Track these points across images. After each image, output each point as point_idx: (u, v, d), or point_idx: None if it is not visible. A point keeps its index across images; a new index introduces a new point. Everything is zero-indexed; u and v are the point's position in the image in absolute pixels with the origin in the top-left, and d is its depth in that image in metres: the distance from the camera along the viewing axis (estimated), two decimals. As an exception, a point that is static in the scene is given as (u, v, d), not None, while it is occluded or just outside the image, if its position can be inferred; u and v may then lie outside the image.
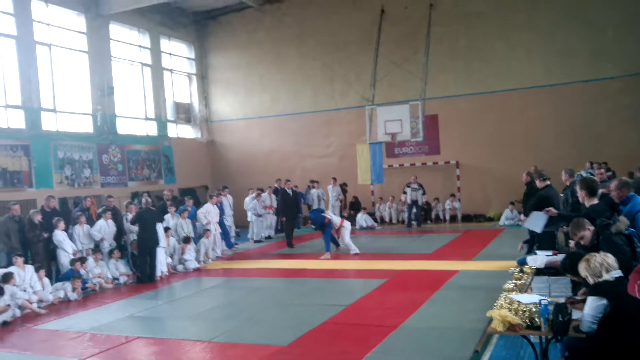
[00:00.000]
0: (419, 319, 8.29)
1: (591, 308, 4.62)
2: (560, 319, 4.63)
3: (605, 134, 19.31)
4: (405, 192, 20.44)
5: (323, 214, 15.18)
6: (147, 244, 12.80)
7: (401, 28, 21.38)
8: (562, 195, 10.47)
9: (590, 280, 4.85)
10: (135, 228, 13.15)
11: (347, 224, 15.13)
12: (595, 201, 7.16)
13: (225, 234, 16.58)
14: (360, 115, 20.50)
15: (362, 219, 21.01)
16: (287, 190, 18.53)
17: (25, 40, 17.43)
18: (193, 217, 15.70)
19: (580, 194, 7.29)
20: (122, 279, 12.89)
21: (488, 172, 21.05)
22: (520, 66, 20.50)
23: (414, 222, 20.36)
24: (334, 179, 21.71)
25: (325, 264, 13.77)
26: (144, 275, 12.81)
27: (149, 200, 13.75)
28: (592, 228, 6.25)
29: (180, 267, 13.98)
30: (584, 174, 15.17)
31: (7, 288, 9.93)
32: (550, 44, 20.09)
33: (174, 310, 10.24)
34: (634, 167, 13.03)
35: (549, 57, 20.11)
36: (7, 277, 10.14)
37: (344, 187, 22.27)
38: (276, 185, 20.23)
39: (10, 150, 16.52)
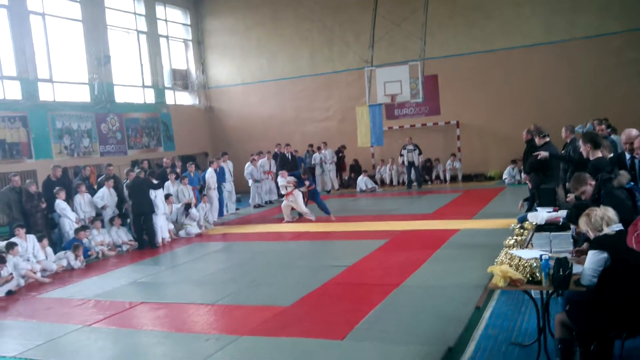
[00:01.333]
0: (420, 277, 8.33)
1: (592, 262, 4.61)
2: (561, 273, 4.63)
3: (607, 90, 19.11)
4: (402, 155, 20.39)
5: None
6: (138, 211, 13.06)
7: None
8: (562, 152, 10.43)
9: (591, 235, 4.83)
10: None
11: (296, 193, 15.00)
12: (599, 154, 7.14)
13: (219, 202, 16.58)
14: (360, 77, 20.31)
15: (362, 181, 21.02)
16: (286, 154, 18.56)
17: (18, 9, 17.17)
18: (196, 183, 15.71)
19: (585, 147, 7.27)
20: (125, 247, 12.96)
21: (488, 131, 20.95)
22: (523, 23, 20.22)
23: (414, 183, 20.37)
24: (324, 143, 21.68)
25: (325, 226, 13.80)
26: (140, 241, 13.00)
27: (142, 167, 13.81)
28: (593, 183, 6.23)
29: (182, 233, 14.04)
30: (578, 129, 15.15)
31: (10, 258, 9.97)
32: (556, 1, 19.79)
33: (177, 275, 10.30)
34: (636, 123, 12.95)
35: (553, 14, 19.82)
36: (10, 247, 10.18)
37: (341, 150, 22.17)
38: (276, 150, 20.19)
39: (8, 122, 16.43)
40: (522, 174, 14.90)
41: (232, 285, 8.93)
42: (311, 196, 15.20)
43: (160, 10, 23.39)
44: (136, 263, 11.53)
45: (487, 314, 6.69)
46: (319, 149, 21.64)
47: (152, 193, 13.17)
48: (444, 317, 6.49)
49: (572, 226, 6.33)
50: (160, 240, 13.19)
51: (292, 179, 14.70)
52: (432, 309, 6.83)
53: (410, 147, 20.15)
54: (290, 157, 18.98)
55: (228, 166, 18.10)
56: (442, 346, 5.65)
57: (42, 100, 17.67)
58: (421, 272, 8.59)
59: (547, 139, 10.22)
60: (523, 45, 20.30)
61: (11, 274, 9.84)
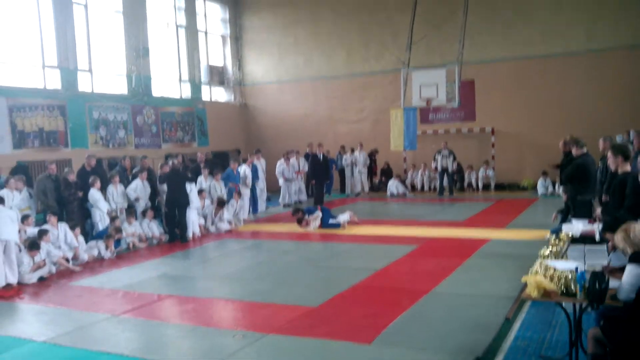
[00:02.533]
0: (450, 285, 8.24)
1: (630, 276, 4.49)
2: (597, 286, 4.52)
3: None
4: (435, 159, 20.17)
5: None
6: (174, 204, 13.09)
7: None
8: (599, 164, 10.24)
9: (629, 251, 4.71)
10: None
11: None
12: (628, 168, 7.00)
13: (254, 199, 16.60)
14: (395, 79, 20.16)
15: (393, 186, 20.89)
16: (318, 154, 18.54)
17: (61, 0, 17.48)
18: (239, 180, 15.76)
19: (615, 160, 7.11)
20: (155, 240, 13.07)
21: (524, 140, 20.65)
22: (564, 29, 19.88)
23: (445, 191, 20.15)
24: (361, 144, 21.53)
25: (355, 229, 13.73)
26: (171, 234, 13.09)
27: (178, 161, 13.91)
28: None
29: (212, 229, 14.12)
30: (619, 139, 14.91)
31: (43, 245, 10.12)
32: (598, 8, 19.45)
33: (206, 270, 10.37)
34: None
35: (595, 22, 19.47)
36: (42, 234, 10.33)
37: (373, 153, 22.04)
38: (307, 150, 20.19)
39: (47, 110, 16.73)
40: (557, 185, 14.67)
41: (260, 282, 8.94)
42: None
43: (199, 4, 23.59)
44: (166, 256, 11.62)
45: (516, 326, 6.57)
46: (352, 150, 21.53)
47: (187, 187, 13.26)
48: (473, 326, 6.39)
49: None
50: (190, 234, 13.27)
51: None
52: (461, 318, 6.74)
53: (445, 152, 19.91)
54: (322, 158, 18.90)
55: (261, 164, 18.12)
56: (470, 355, 5.56)
57: (81, 90, 17.97)
58: (451, 280, 8.49)
59: (584, 150, 10.04)
60: (563, 52, 19.97)
61: (44, 260, 9.99)
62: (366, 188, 21.57)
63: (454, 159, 20.00)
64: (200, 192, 14.10)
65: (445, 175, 20.12)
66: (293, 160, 19.39)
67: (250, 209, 16.50)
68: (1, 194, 11.19)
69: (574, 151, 10.24)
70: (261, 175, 17.76)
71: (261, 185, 17.71)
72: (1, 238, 9.34)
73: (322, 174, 18.56)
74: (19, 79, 16.45)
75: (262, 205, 17.94)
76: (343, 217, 14.14)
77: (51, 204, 12.07)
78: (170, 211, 13.21)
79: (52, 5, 17.29)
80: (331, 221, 14.01)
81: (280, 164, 18.96)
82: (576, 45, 19.77)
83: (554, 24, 20.08)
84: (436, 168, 20.29)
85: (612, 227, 5.33)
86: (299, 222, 14.10)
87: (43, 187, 12.26)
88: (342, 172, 22.10)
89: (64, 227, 11.12)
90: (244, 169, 16.07)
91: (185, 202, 13.06)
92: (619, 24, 19.17)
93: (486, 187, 20.78)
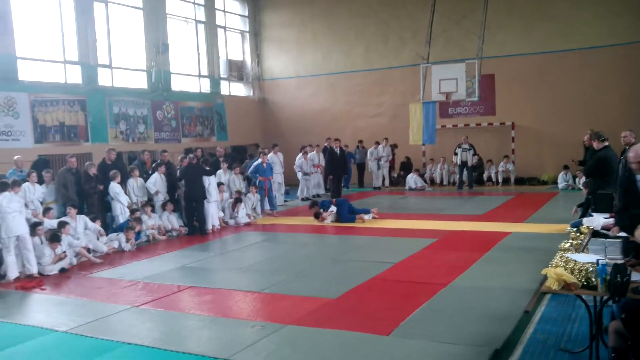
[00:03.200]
0: (469, 278, 8.20)
1: (653, 270, 4.46)
2: (619, 279, 4.47)
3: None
4: (456, 153, 20.06)
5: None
6: (191, 197, 13.21)
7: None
8: (620, 157, 10.12)
9: None
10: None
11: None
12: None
13: (269, 195, 16.11)
14: (414, 74, 20.10)
15: (412, 179, 20.84)
16: (335, 149, 18.53)
17: (82, -3, 17.67)
18: (270, 173, 15.79)
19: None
20: (175, 232, 13.17)
21: (544, 134, 20.50)
22: (584, 24, 19.72)
23: (465, 184, 20.04)
24: (386, 139, 21.45)
25: (373, 222, 13.73)
26: (189, 227, 13.24)
27: (195, 155, 14.00)
28: None
29: (231, 222, 14.20)
30: None
31: (63, 237, 10.24)
32: (618, 2, 19.22)
33: (225, 262, 10.42)
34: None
35: (616, 15, 19.26)
36: (61, 226, 10.45)
37: (393, 148, 21.98)
38: (325, 145, 20.19)
39: (67, 105, 16.90)
40: (582, 179, 14.52)
41: (279, 274, 8.97)
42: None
43: (219, 1, 23.66)
44: (185, 248, 11.70)
45: (536, 318, 6.54)
46: (377, 143, 21.39)
47: (206, 180, 13.32)
48: (492, 319, 6.37)
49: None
50: (210, 227, 13.36)
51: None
52: (479, 310, 6.71)
53: (466, 146, 19.77)
54: (339, 152, 18.89)
55: (279, 158, 18.13)
56: (489, 348, 5.54)
57: (101, 85, 18.13)
58: (470, 273, 8.46)
59: (606, 143, 9.93)
60: (583, 47, 19.78)
61: (64, 252, 10.11)
62: (387, 182, 21.54)
63: (474, 153, 19.88)
64: (219, 185, 14.14)
65: (465, 168, 20.00)
66: (312, 154, 19.40)
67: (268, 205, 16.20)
68: (25, 187, 11.35)
69: (595, 145, 10.15)
70: (279, 169, 17.76)
71: (279, 179, 17.71)
72: (14, 234, 9.48)
73: (339, 168, 18.56)
74: (41, 74, 16.63)
75: (280, 198, 17.96)
76: (367, 216, 14.09)
77: (71, 197, 12.18)
78: (187, 205, 13.35)
79: (74, 2, 17.44)
80: (348, 216, 13.99)
81: (299, 158, 18.99)
82: (596, 40, 19.56)
83: (574, 18, 19.90)
84: (456, 162, 20.18)
85: (630, 225, 5.27)
86: (316, 216, 14.12)
87: (64, 181, 12.37)
88: (360, 166, 22.10)
89: (83, 219, 11.25)
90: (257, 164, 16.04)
91: (201, 195, 13.13)
92: (638, 19, 18.91)
93: (506, 181, 20.65)
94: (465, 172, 20.08)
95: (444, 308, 6.90)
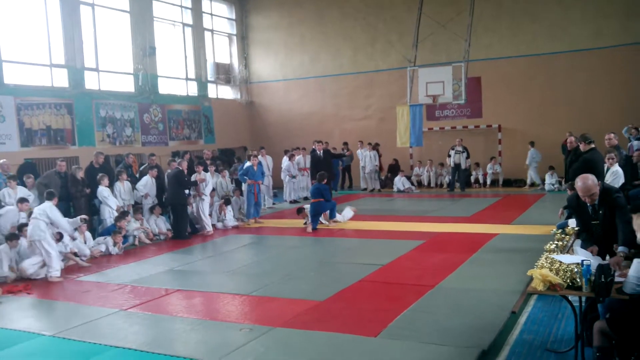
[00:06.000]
0: (456, 280, 8.25)
1: (637, 270, 4.51)
2: (603, 279, 4.53)
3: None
4: (449, 155, 20.09)
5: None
6: (169, 202, 13.38)
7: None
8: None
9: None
10: None
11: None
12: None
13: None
14: (402, 77, 20.18)
15: (399, 182, 20.89)
16: (318, 151, 18.52)
17: (69, 0, 17.57)
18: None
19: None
20: (162, 236, 13.15)
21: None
22: (571, 27, 19.88)
23: (457, 186, 20.09)
24: (377, 144, 21.45)
25: (361, 224, 13.76)
26: (173, 231, 13.27)
27: (185, 159, 14.02)
28: None
29: (219, 225, 14.19)
30: (625, 132, 14.91)
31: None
32: (605, 5, 19.42)
33: (213, 265, 10.42)
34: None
35: (602, 19, 19.44)
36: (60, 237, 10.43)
37: (376, 148, 21.82)
38: (314, 147, 20.21)
39: (54, 109, 16.82)
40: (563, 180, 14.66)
41: (267, 277, 8.97)
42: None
43: (206, 4, 23.65)
44: (173, 251, 11.67)
45: (522, 319, 6.59)
46: (371, 145, 21.34)
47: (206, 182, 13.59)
48: (479, 320, 6.41)
49: None
50: (210, 228, 13.63)
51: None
52: (467, 312, 6.75)
53: (459, 148, 19.79)
54: (322, 155, 18.84)
55: (266, 161, 18.06)
56: (476, 349, 5.57)
57: (88, 88, 18.06)
58: (457, 275, 8.51)
59: (592, 145, 10.02)
60: (570, 50, 19.96)
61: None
62: (377, 186, 21.40)
63: (468, 156, 19.95)
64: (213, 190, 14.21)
65: (458, 171, 20.07)
66: (299, 157, 19.39)
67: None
68: (3, 193, 11.37)
69: (582, 147, 10.22)
70: (266, 172, 17.69)
71: (266, 182, 17.62)
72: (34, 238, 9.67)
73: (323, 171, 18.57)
74: (27, 77, 16.53)
75: (268, 201, 17.95)
76: (347, 214, 14.15)
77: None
78: (172, 209, 13.40)
79: (60, 4, 17.36)
80: (337, 217, 14.02)
81: (286, 161, 18.99)
82: (582, 43, 19.74)
83: (560, 21, 20.07)
84: (450, 164, 20.22)
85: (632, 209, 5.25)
86: (299, 211, 14.19)
87: (47, 182, 12.29)
88: (347, 169, 22.13)
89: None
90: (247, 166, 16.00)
91: (179, 202, 13.13)
92: (626, 21, 19.14)
93: (494, 182, 20.76)
94: (457, 174, 20.13)
95: (431, 309, 6.94)
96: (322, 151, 18.97)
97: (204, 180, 13.80)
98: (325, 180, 14.37)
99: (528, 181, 20.08)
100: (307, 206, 14.05)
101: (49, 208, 9.91)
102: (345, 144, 22.18)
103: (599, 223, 5.78)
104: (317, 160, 18.63)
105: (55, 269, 9.65)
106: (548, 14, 20.21)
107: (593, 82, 19.63)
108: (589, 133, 10.32)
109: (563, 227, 8.13)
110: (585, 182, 5.70)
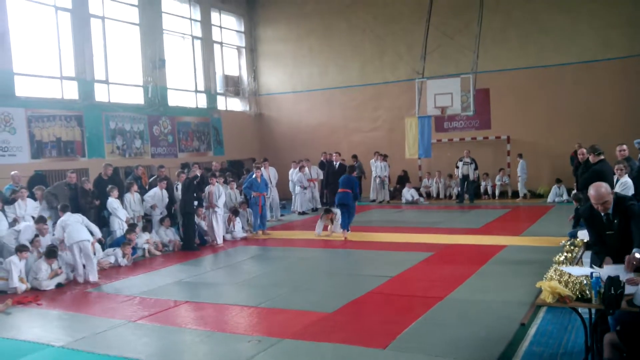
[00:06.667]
0: (465, 291, 8.22)
1: (647, 283, 4.49)
2: (613, 291, 4.50)
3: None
4: (457, 167, 20.09)
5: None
6: (181, 210, 13.44)
7: (454, -1, 20.98)
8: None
9: None
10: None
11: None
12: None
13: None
14: (410, 88, 20.21)
15: (408, 193, 20.89)
16: (334, 163, 18.59)
17: (80, 13, 17.76)
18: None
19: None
20: (171, 246, 13.18)
21: (539, 147, 20.59)
22: (579, 39, 19.89)
23: (466, 197, 20.06)
24: (380, 154, 21.43)
25: (369, 236, 13.74)
26: (183, 242, 13.35)
27: (197, 170, 14.09)
28: None
29: (228, 236, 14.21)
30: (636, 144, 14.81)
31: (60, 252, 10.26)
32: (612, 16, 19.40)
33: (221, 277, 10.42)
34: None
35: (610, 30, 19.42)
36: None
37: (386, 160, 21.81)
38: (322, 159, 20.25)
39: (64, 121, 16.95)
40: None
41: (276, 289, 8.97)
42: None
43: (215, 17, 23.81)
44: (182, 263, 11.69)
45: (532, 331, 6.56)
46: (381, 155, 21.31)
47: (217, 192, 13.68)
48: (488, 332, 6.38)
49: None
50: (220, 240, 13.73)
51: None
52: (476, 324, 6.72)
53: (467, 160, 19.80)
54: (337, 166, 18.99)
55: (268, 172, 17.78)
56: (485, 361, 5.55)
57: (98, 100, 18.20)
58: (466, 287, 8.47)
59: (602, 157, 9.99)
60: (578, 61, 19.95)
61: (60, 267, 10.12)
62: (387, 197, 21.39)
63: (476, 167, 19.92)
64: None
65: (466, 182, 20.05)
66: (307, 168, 19.41)
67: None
68: (14, 205, 11.49)
69: (591, 158, 10.20)
70: (269, 184, 17.63)
71: (269, 193, 17.49)
72: (76, 240, 10.13)
73: (337, 182, 18.62)
74: (38, 89, 16.69)
75: (277, 212, 17.96)
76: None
77: (55, 206, 12.11)
78: (183, 218, 13.42)
79: (71, 18, 17.56)
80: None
81: (296, 172, 18.99)
82: (591, 54, 19.74)
83: (568, 33, 20.07)
84: (458, 175, 20.22)
85: None
86: (327, 211, 14.35)
87: (55, 192, 12.37)
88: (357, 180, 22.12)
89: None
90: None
91: (188, 210, 13.16)
92: (634, 32, 19.10)
93: (503, 194, 20.68)
94: (466, 185, 20.11)
95: (440, 321, 6.91)
96: (338, 163, 19.06)
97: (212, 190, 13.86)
98: (355, 173, 14.51)
99: (520, 194, 20.07)
100: (337, 210, 14.01)
101: (80, 216, 10.62)
102: (355, 156, 22.16)
103: (613, 233, 5.64)
104: (333, 171, 18.67)
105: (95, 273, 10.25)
106: (556, 26, 20.21)
107: (601, 94, 19.59)
108: (597, 144, 10.29)
109: (574, 235, 8.11)
110: (599, 190, 5.58)
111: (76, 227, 10.34)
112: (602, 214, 5.65)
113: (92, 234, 10.64)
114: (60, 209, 10.80)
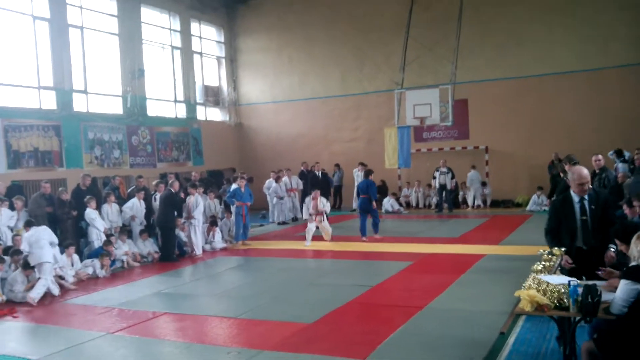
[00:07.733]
0: (444, 301, 8.25)
1: (624, 292, 4.53)
2: (590, 300, 4.56)
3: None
4: (434, 177, 20.23)
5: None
6: (157, 224, 13.44)
7: (432, 11, 21.07)
8: (595, 181, 10.31)
9: (634, 258, 4.69)
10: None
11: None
12: None
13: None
14: (389, 99, 20.36)
15: (388, 203, 20.94)
16: (317, 172, 18.65)
17: (58, 23, 17.62)
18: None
19: None
20: (150, 257, 13.07)
21: (518, 157, 20.80)
22: (556, 50, 20.13)
23: (445, 206, 20.16)
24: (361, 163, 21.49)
25: (349, 245, 13.77)
26: (161, 253, 13.22)
27: (164, 183, 14.08)
28: None
29: (207, 247, 14.13)
30: (610, 155, 15.06)
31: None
32: (588, 28, 19.66)
33: (201, 288, 10.34)
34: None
35: (587, 42, 19.68)
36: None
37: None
38: (302, 169, 20.25)
39: (42, 131, 16.78)
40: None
41: (255, 300, 8.93)
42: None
43: (195, 27, 23.78)
44: (161, 274, 11.59)
45: (511, 340, 6.58)
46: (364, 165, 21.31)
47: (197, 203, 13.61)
48: (468, 341, 6.41)
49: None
50: (200, 251, 13.61)
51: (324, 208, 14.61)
52: (455, 333, 6.75)
53: (444, 169, 19.93)
54: (321, 175, 19.10)
55: (290, 179, 18.73)
56: (465, 370, 5.57)
57: (76, 110, 18.03)
58: (445, 296, 8.51)
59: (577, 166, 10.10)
60: (555, 73, 20.18)
61: (39, 278, 9.96)
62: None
63: (453, 176, 20.06)
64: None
65: (444, 192, 20.17)
66: (285, 178, 19.39)
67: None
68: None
69: (567, 168, 10.31)
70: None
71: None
72: (38, 262, 9.77)
73: (322, 191, 18.71)
74: (15, 99, 16.50)
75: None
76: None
77: (42, 223, 12.00)
78: (161, 231, 13.33)
79: (49, 27, 17.40)
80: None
81: (271, 182, 19.00)
82: (568, 65, 19.98)
83: (546, 44, 20.30)
84: (434, 185, 20.33)
85: (622, 233, 5.27)
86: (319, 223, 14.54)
87: (37, 205, 12.25)
88: (337, 189, 22.19)
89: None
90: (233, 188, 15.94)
91: (167, 224, 13.08)
92: (610, 44, 19.41)
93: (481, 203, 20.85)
94: (444, 194, 20.23)
95: (420, 331, 6.92)
96: (320, 171, 19.17)
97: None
98: (372, 176, 14.81)
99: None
100: (326, 208, 14.72)
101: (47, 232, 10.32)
102: (337, 165, 22.24)
103: (586, 219, 5.94)
104: (316, 181, 18.75)
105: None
106: (533, 37, 20.46)
107: (580, 104, 19.84)
108: (573, 154, 10.43)
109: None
110: (582, 171, 5.98)
111: (41, 244, 9.89)
112: (577, 200, 5.98)
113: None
114: (25, 224, 10.69)
